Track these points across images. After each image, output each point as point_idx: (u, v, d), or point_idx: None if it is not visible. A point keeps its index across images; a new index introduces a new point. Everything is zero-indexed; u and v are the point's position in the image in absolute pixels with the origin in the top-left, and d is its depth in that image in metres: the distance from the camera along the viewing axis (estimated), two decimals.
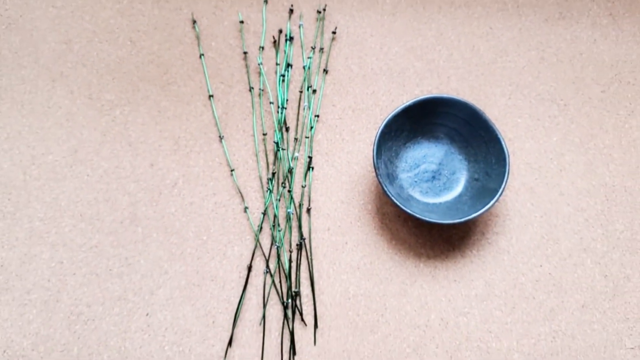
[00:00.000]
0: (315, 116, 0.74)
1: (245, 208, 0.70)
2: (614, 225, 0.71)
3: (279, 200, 0.70)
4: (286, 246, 0.68)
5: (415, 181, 0.70)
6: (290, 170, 0.71)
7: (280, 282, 0.67)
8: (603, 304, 0.68)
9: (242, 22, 0.77)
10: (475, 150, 0.70)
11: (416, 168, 0.71)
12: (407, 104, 0.68)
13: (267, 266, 0.67)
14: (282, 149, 0.72)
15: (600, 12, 0.80)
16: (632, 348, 0.66)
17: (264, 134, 0.73)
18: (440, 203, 0.69)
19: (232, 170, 0.71)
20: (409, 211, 0.64)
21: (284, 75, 0.74)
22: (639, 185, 0.73)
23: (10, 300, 0.65)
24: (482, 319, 0.67)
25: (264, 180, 0.71)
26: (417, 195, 0.69)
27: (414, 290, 0.67)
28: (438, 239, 0.70)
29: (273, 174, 0.71)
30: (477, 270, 0.69)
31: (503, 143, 0.66)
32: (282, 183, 0.70)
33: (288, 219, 0.69)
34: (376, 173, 0.65)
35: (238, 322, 0.65)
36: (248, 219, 0.69)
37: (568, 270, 0.69)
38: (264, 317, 0.66)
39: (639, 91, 0.77)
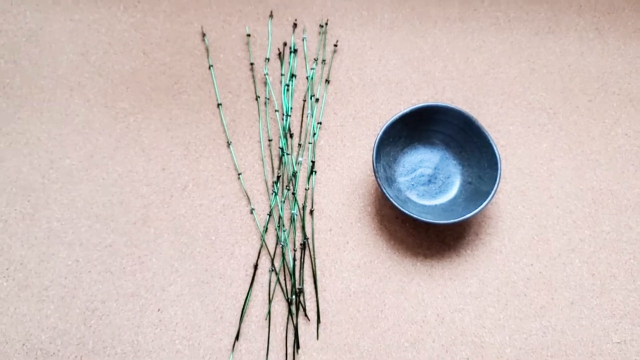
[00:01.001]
0: (318, 123, 0.78)
1: (252, 210, 0.73)
2: (601, 227, 0.74)
3: (284, 202, 0.73)
4: (290, 246, 0.72)
5: (413, 184, 0.74)
6: (295, 174, 0.74)
7: (284, 279, 0.70)
8: (591, 301, 0.71)
9: (249, 35, 0.81)
10: (469, 155, 0.73)
11: (413, 172, 0.75)
12: (404, 111, 0.72)
13: (273, 265, 0.71)
14: (287, 154, 0.75)
15: (587, 27, 0.84)
16: (619, 342, 0.69)
17: (270, 140, 0.76)
18: (436, 205, 0.73)
19: (239, 174, 0.75)
20: (406, 212, 0.67)
21: (288, 85, 0.78)
22: (624, 189, 0.76)
23: (29, 297, 0.68)
24: (476, 315, 0.70)
25: (270, 183, 0.75)
26: (414, 197, 0.73)
27: (411, 287, 0.71)
28: (434, 240, 0.73)
29: (278, 177, 0.74)
30: (471, 269, 0.72)
31: (495, 148, 0.70)
32: (287, 186, 0.74)
33: (292, 220, 0.72)
34: (375, 177, 0.69)
35: (245, 318, 0.68)
36: (254, 220, 0.73)
37: (557, 269, 0.72)
38: (269, 312, 0.69)
39: (623, 100, 0.81)
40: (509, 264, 0.72)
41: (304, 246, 0.71)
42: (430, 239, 0.73)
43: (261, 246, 0.71)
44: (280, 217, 0.72)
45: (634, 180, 0.76)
